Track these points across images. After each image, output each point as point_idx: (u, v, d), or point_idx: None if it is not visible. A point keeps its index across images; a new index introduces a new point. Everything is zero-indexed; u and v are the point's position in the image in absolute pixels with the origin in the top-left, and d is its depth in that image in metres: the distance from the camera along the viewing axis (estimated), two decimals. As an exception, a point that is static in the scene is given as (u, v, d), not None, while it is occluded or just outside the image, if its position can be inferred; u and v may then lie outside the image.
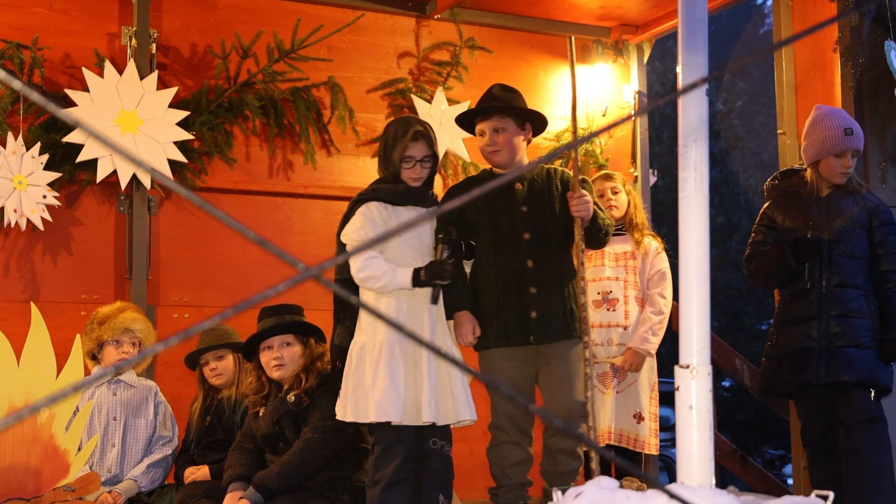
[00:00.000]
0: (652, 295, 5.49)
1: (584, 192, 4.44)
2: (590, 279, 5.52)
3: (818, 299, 4.83)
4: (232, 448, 4.91)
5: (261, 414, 4.83)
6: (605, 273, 5.52)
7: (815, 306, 4.84)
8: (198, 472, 5.14)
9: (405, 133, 4.53)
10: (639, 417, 5.41)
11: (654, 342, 5.44)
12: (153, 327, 5.62)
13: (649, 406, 5.46)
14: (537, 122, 4.78)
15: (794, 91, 6.58)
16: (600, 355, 5.47)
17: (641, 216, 5.60)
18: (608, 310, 5.48)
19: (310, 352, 4.83)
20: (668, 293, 5.51)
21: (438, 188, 7.13)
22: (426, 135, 4.56)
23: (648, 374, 5.48)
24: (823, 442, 4.86)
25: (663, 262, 5.56)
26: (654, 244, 5.59)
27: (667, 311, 5.49)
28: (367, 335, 4.44)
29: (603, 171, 5.85)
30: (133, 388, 5.34)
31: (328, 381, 4.73)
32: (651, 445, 5.42)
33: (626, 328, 5.47)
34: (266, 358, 4.84)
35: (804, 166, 5.12)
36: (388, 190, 4.53)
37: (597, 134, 7.44)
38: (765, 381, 5.05)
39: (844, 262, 4.84)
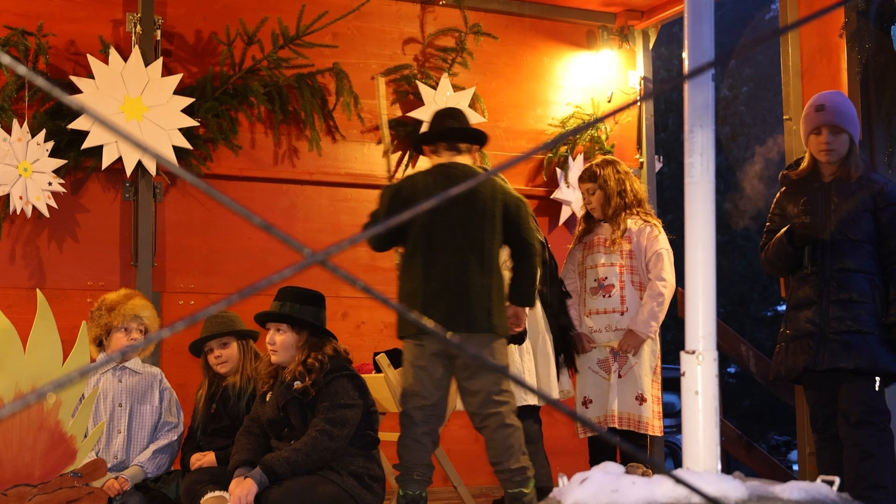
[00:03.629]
0: (651, 279, 5.51)
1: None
2: (588, 266, 5.62)
3: (820, 284, 4.80)
4: (239, 433, 4.93)
5: (268, 398, 4.85)
6: (599, 260, 5.56)
7: (817, 291, 4.80)
8: (204, 459, 5.15)
9: None
10: (641, 399, 5.43)
11: (654, 326, 5.47)
12: (158, 314, 5.63)
13: (651, 388, 5.47)
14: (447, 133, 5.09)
15: (800, 77, 6.56)
16: (599, 341, 5.52)
17: (613, 206, 5.57)
18: (604, 296, 5.52)
19: (306, 342, 4.82)
20: (668, 275, 5.52)
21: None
22: None
23: (650, 356, 5.50)
24: (830, 427, 4.83)
25: (659, 244, 5.56)
26: (647, 227, 5.60)
27: (667, 293, 5.50)
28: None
29: (585, 166, 5.88)
30: (138, 374, 5.35)
31: (339, 369, 4.74)
32: (654, 427, 5.44)
33: (622, 313, 5.50)
34: (266, 340, 4.91)
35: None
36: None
37: (601, 119, 7.43)
38: (775, 367, 5.01)
39: (847, 246, 4.79)
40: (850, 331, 4.71)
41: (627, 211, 5.59)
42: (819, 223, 4.82)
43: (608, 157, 5.97)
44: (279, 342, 4.83)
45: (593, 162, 5.84)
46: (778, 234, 4.93)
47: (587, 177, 5.71)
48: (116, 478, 5.03)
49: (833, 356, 4.71)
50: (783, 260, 4.92)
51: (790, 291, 5.03)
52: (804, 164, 5.02)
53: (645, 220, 5.63)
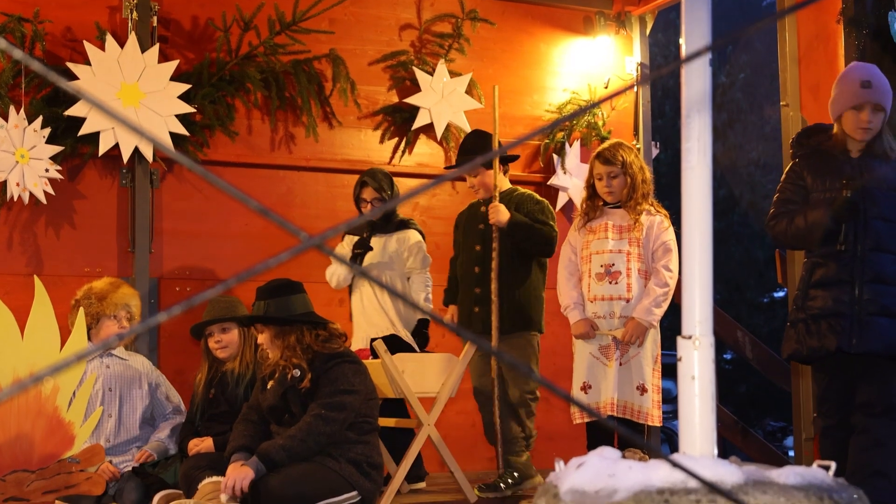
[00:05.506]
0: (657, 268, 5.45)
1: (499, 203, 5.61)
2: (594, 252, 5.51)
3: (852, 263, 4.65)
4: (237, 421, 4.93)
5: (269, 386, 4.84)
6: (608, 246, 5.48)
7: (849, 270, 4.65)
8: (202, 444, 5.16)
9: (359, 180, 5.97)
10: (642, 389, 5.40)
11: (658, 314, 5.41)
12: (156, 300, 5.64)
13: (652, 378, 5.44)
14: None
15: (797, 63, 6.56)
16: (602, 328, 5.47)
17: (638, 195, 5.51)
18: (610, 283, 5.46)
19: (277, 335, 4.80)
20: (674, 266, 5.45)
21: (440, 160, 7.12)
22: (370, 182, 5.88)
23: (652, 346, 5.46)
24: (837, 413, 4.74)
25: (668, 235, 5.49)
26: (658, 218, 5.52)
27: (672, 283, 5.43)
28: None
29: (604, 146, 5.73)
30: (124, 360, 5.43)
31: (339, 356, 4.74)
32: (654, 417, 5.41)
33: (628, 301, 5.44)
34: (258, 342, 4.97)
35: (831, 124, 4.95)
36: (357, 224, 5.96)
37: (597, 104, 7.40)
38: (789, 346, 4.85)
39: (880, 226, 4.66)
40: (881, 313, 4.60)
41: (644, 199, 5.53)
42: (858, 199, 4.65)
43: (625, 142, 5.79)
44: (262, 340, 4.86)
45: (614, 144, 5.65)
46: (812, 208, 4.74)
47: (611, 160, 5.45)
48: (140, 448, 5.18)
49: (868, 340, 4.59)
50: (818, 236, 4.72)
51: (810, 269, 4.83)
52: (836, 138, 4.83)
53: (657, 210, 5.57)
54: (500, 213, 5.57)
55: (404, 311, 5.87)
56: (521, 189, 5.89)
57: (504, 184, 5.85)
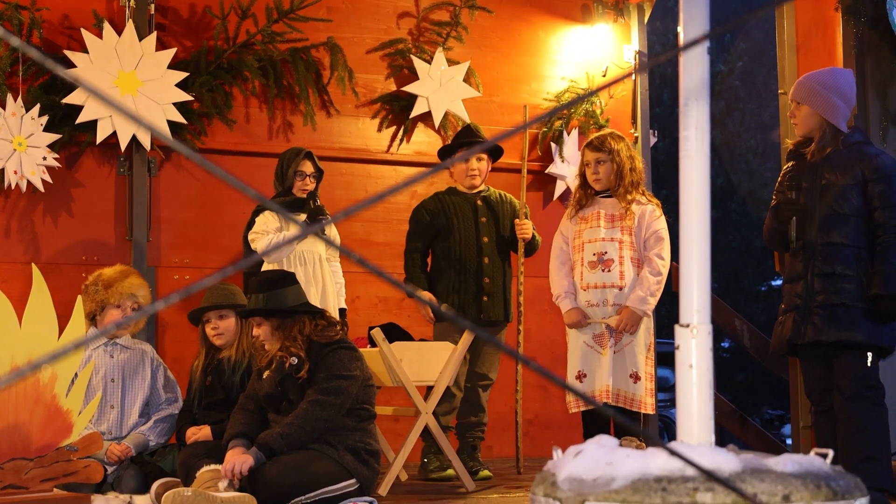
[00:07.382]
0: (649, 256, 5.47)
1: (527, 220, 6.01)
2: (586, 240, 5.53)
3: (805, 258, 4.81)
4: (234, 410, 4.93)
5: (265, 375, 4.84)
6: (600, 234, 5.50)
7: (803, 265, 4.82)
8: (199, 433, 5.16)
9: (298, 154, 5.72)
10: (635, 377, 5.42)
11: (651, 303, 5.43)
12: (154, 288, 5.64)
13: (645, 366, 5.46)
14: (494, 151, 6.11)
15: (795, 51, 6.55)
16: (596, 316, 5.47)
17: (626, 183, 5.52)
18: (603, 270, 5.47)
19: (279, 326, 4.79)
20: (666, 254, 5.49)
21: (438, 148, 7.12)
22: (312, 156, 5.76)
23: (645, 334, 5.48)
24: (826, 400, 4.85)
25: (660, 224, 5.52)
26: (649, 207, 5.55)
27: (664, 272, 5.47)
28: None
29: (595, 135, 5.75)
30: (129, 349, 5.40)
31: (336, 343, 4.74)
32: (647, 405, 5.43)
33: (621, 289, 5.46)
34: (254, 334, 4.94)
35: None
36: (280, 202, 5.59)
37: (594, 93, 7.39)
38: (772, 340, 5.04)
39: (834, 220, 4.77)
40: (832, 304, 4.72)
41: (634, 188, 5.54)
42: (808, 198, 4.80)
43: (616, 131, 5.83)
44: (258, 333, 4.85)
45: (604, 133, 5.68)
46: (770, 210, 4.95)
47: (599, 147, 5.52)
48: (119, 442, 5.11)
49: (815, 329, 4.73)
50: (772, 234, 4.96)
51: (785, 266, 5.03)
52: (799, 137, 5.01)
53: (649, 199, 5.59)
54: (528, 231, 5.99)
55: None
56: (492, 188, 6.10)
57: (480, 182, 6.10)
